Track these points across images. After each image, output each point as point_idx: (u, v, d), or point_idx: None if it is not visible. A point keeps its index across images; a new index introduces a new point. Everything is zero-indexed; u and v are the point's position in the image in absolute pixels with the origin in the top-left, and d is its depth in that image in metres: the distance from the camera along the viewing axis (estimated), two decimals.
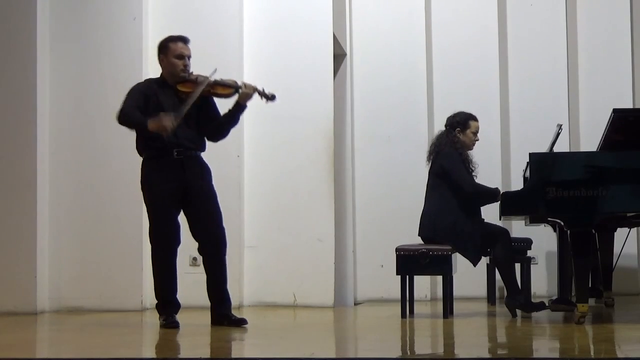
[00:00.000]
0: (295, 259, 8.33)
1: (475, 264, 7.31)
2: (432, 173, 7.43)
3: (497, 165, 9.07)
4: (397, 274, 7.30)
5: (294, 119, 8.35)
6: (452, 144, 7.39)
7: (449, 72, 9.23)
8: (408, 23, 9.18)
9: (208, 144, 6.75)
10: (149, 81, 6.75)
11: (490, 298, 8.29)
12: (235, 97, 6.67)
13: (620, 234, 7.96)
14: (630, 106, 9.01)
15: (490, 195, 7.25)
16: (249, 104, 6.70)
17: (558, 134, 7.57)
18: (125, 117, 6.46)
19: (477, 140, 7.51)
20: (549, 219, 6.82)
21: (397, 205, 8.93)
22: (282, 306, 8.28)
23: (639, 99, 9.20)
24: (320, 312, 7.93)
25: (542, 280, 8.99)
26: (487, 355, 5.45)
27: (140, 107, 6.48)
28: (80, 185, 8.11)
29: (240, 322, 6.58)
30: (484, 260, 7.82)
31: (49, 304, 7.97)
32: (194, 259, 7.72)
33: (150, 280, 6.81)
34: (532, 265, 8.00)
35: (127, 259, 7.99)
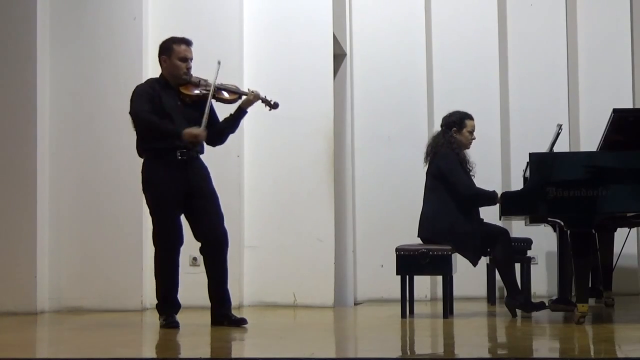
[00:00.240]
0: (295, 259, 8.33)
1: (475, 264, 7.30)
2: (429, 174, 7.40)
3: (496, 165, 9.07)
4: (397, 274, 7.29)
5: (294, 119, 8.34)
6: (449, 144, 7.36)
7: (449, 72, 9.22)
8: (408, 23, 9.17)
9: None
10: (152, 81, 6.72)
11: (490, 298, 8.29)
12: (238, 103, 6.71)
13: (620, 234, 7.95)
14: (630, 106, 9.01)
15: (487, 198, 7.22)
16: (250, 109, 6.76)
17: (558, 134, 7.56)
18: (152, 125, 6.45)
19: (474, 138, 7.50)
20: (549, 219, 6.81)
21: (397, 205, 8.92)
22: (282, 306, 8.27)
23: (639, 99, 9.20)
24: (320, 312, 7.93)
25: (542, 280, 8.99)
26: (487, 355, 5.45)
27: (151, 110, 6.49)
28: (80, 185, 8.11)
29: (240, 322, 6.58)
30: (484, 260, 7.82)
31: (49, 304, 7.96)
32: (194, 259, 7.73)
33: (151, 280, 6.81)
34: (532, 265, 7.98)
35: (127, 259, 7.99)
